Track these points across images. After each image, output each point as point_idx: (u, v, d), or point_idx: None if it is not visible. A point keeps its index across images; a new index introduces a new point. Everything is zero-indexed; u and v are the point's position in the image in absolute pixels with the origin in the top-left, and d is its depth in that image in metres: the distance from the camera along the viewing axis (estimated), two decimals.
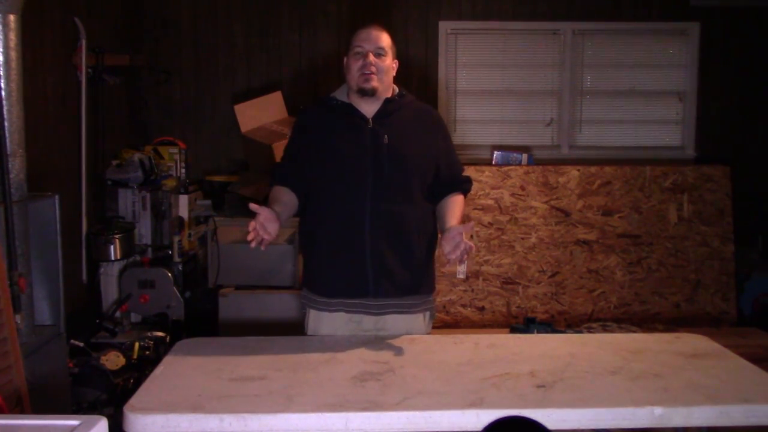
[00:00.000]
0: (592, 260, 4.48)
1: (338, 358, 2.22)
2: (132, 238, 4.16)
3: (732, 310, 4.47)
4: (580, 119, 5.33)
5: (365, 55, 2.45)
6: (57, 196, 3.05)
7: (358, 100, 2.51)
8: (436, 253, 2.54)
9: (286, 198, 2.47)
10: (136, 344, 3.65)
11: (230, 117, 4.85)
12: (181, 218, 4.47)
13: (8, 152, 2.72)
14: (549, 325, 4.12)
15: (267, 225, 2.26)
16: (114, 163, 4.38)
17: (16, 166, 2.77)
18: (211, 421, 1.80)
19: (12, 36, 2.74)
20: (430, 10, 5.24)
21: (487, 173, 4.51)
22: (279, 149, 3.98)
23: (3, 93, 2.72)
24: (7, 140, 2.72)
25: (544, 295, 4.45)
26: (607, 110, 5.34)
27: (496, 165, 4.70)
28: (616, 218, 4.51)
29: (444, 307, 4.41)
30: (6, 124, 2.71)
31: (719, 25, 5.22)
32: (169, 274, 4.20)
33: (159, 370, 2.13)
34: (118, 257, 4.06)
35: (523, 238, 4.47)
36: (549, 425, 1.80)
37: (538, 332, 3.90)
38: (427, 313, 2.59)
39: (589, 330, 4.12)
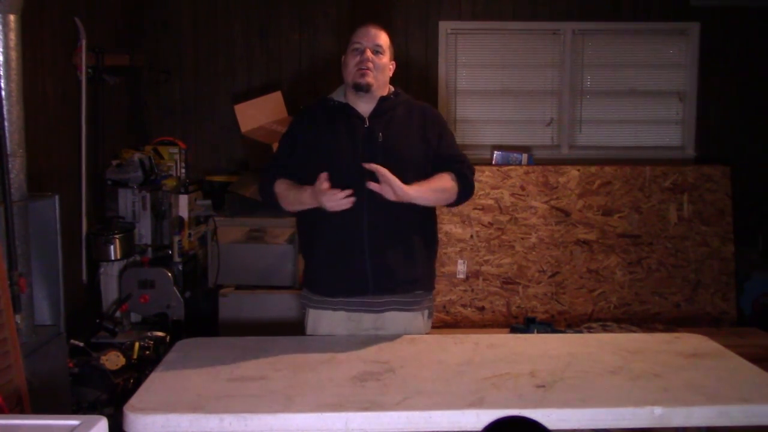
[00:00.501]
0: (592, 260, 4.48)
1: (338, 358, 2.22)
2: (132, 238, 4.16)
3: (732, 310, 4.48)
4: (580, 119, 5.33)
5: (362, 51, 2.48)
6: (57, 196, 3.05)
7: (355, 99, 2.52)
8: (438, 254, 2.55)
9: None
10: (136, 344, 3.64)
11: (230, 117, 4.85)
12: (181, 218, 4.47)
13: (8, 152, 2.72)
14: (549, 325, 4.12)
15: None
16: (114, 163, 4.38)
17: (16, 166, 2.77)
18: (211, 421, 1.80)
19: (12, 36, 2.74)
20: (430, 10, 5.24)
21: (487, 173, 4.51)
22: None
23: (3, 93, 2.72)
24: (7, 140, 2.72)
25: (544, 295, 4.45)
26: (607, 110, 5.34)
27: (496, 165, 4.70)
28: (616, 218, 4.51)
29: (444, 307, 4.41)
30: (6, 124, 2.71)
31: (719, 25, 5.22)
32: (169, 274, 4.20)
33: (159, 370, 2.13)
34: (118, 257, 4.06)
35: (523, 238, 4.47)
36: (549, 425, 1.80)
37: (538, 332, 3.90)
38: (426, 311, 2.60)
39: (589, 330, 4.12)
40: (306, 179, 2.49)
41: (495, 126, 5.33)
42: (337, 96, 2.58)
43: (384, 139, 2.46)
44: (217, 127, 5.25)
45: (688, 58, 5.26)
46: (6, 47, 2.72)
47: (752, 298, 4.68)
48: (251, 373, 2.09)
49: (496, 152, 4.83)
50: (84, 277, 4.08)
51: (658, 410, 1.86)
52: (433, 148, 2.52)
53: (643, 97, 5.31)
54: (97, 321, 3.90)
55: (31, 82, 3.44)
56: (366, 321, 2.51)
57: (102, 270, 4.16)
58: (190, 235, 4.53)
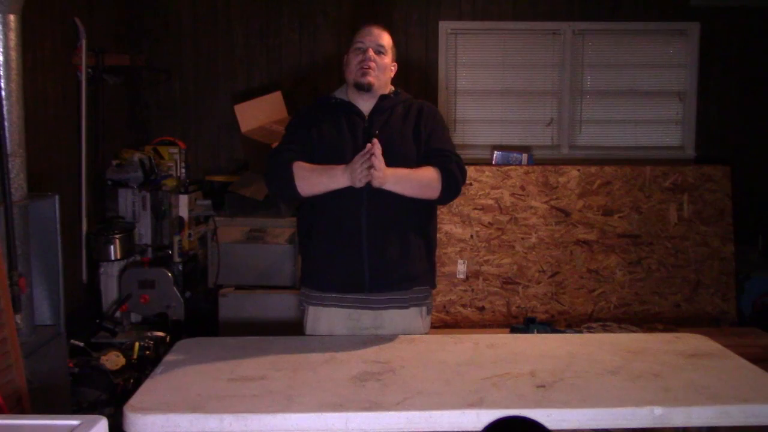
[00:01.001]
0: (592, 260, 4.48)
1: (338, 358, 2.23)
2: (132, 238, 4.16)
3: (732, 310, 4.47)
4: (580, 119, 5.33)
5: (365, 51, 2.50)
6: (57, 196, 3.05)
7: (356, 97, 2.55)
8: (437, 252, 2.54)
9: None
10: (136, 344, 3.65)
11: (230, 117, 4.85)
12: (181, 218, 4.48)
13: (8, 152, 2.72)
14: (549, 325, 4.12)
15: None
16: (114, 163, 4.38)
17: (16, 166, 2.77)
18: (211, 421, 1.80)
19: (12, 36, 2.74)
20: (430, 10, 5.24)
21: (487, 173, 4.51)
22: None
23: (3, 93, 2.72)
24: (7, 140, 2.72)
25: (544, 295, 4.45)
26: (607, 110, 5.34)
27: (496, 165, 4.70)
28: (616, 218, 4.51)
29: (444, 307, 4.41)
30: (6, 124, 2.71)
31: (719, 25, 5.22)
32: (169, 274, 4.20)
33: (159, 370, 2.13)
34: (118, 257, 4.06)
35: (523, 238, 4.47)
36: (549, 425, 1.80)
37: (538, 332, 3.89)
38: (424, 309, 2.60)
39: (589, 330, 4.11)
40: None
41: (495, 126, 5.34)
42: (340, 94, 2.60)
43: (380, 136, 2.47)
44: (217, 127, 5.25)
45: (688, 58, 5.26)
46: (6, 47, 2.72)
47: (752, 298, 4.68)
48: (251, 373, 2.09)
49: (496, 152, 4.83)
50: (84, 277, 4.08)
51: (658, 410, 1.86)
52: (424, 142, 2.52)
53: (643, 97, 5.31)
54: (97, 321, 3.90)
55: (31, 82, 3.44)
56: (365, 318, 2.52)
57: (102, 270, 4.16)
58: (190, 235, 4.53)
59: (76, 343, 3.51)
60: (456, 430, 1.84)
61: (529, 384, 2.02)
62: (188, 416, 1.80)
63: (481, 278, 4.45)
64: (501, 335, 2.80)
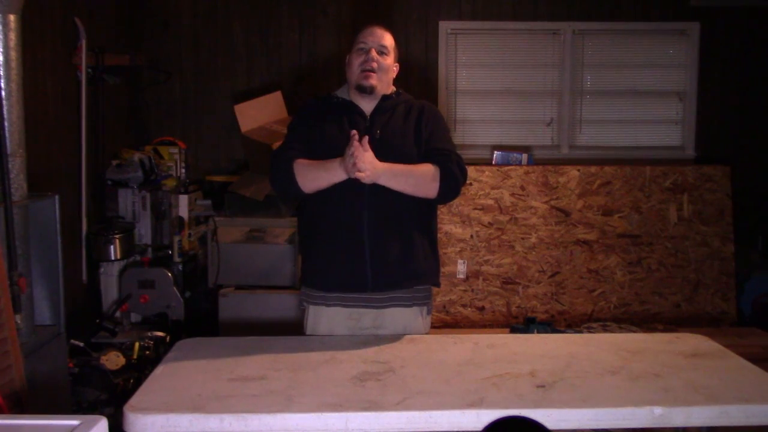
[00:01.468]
0: (592, 260, 4.48)
1: (338, 358, 2.22)
2: (132, 238, 4.16)
3: (732, 310, 4.47)
4: (580, 119, 5.33)
5: (367, 51, 2.49)
6: (57, 196, 3.05)
7: (358, 98, 2.55)
8: (438, 250, 2.54)
9: None
10: (136, 344, 3.65)
11: (230, 117, 4.85)
12: (181, 218, 4.48)
13: (8, 152, 2.72)
14: (549, 325, 4.12)
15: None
16: (114, 163, 4.38)
17: (16, 166, 2.77)
18: (211, 421, 1.80)
19: (12, 36, 2.74)
20: (430, 10, 5.24)
21: (487, 173, 4.51)
22: None
23: (3, 93, 2.72)
24: (7, 140, 2.72)
25: (544, 295, 4.45)
26: (607, 110, 5.34)
27: (496, 165, 4.70)
28: (616, 218, 4.51)
29: (444, 307, 4.41)
30: (6, 124, 2.71)
31: (719, 25, 5.22)
32: (169, 274, 4.20)
33: (159, 370, 2.13)
34: (118, 257, 4.06)
35: (523, 238, 4.47)
36: (549, 425, 1.80)
37: (538, 332, 3.90)
38: (425, 308, 2.60)
39: (589, 330, 4.11)
40: None
41: (495, 126, 5.34)
42: (342, 93, 2.61)
43: (381, 136, 2.48)
44: (217, 127, 5.25)
45: (688, 58, 5.26)
46: (6, 47, 2.72)
47: (752, 298, 4.68)
48: (251, 373, 2.09)
49: (496, 152, 4.83)
50: (84, 277, 4.08)
51: (658, 410, 1.86)
52: (424, 142, 2.52)
53: (643, 97, 5.31)
54: (97, 321, 3.90)
55: (31, 82, 3.44)
56: (365, 318, 2.52)
57: (102, 270, 4.16)
58: (190, 235, 4.53)
59: (76, 343, 3.51)
60: (456, 430, 1.84)
61: (529, 384, 2.02)
62: (188, 416, 1.80)
63: (481, 278, 4.45)
64: (501, 335, 2.80)
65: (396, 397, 1.92)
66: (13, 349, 2.46)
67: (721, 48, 5.24)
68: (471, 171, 4.29)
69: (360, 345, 2.35)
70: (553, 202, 4.50)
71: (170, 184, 4.46)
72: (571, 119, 5.31)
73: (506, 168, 4.56)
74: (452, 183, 2.45)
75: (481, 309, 4.44)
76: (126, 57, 4.70)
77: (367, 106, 2.54)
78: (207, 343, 2.41)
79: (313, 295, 2.56)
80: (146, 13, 5.20)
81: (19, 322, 2.67)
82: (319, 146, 2.49)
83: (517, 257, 4.46)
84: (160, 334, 3.88)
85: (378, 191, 2.42)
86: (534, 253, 4.47)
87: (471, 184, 4.40)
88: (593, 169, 4.56)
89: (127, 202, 4.33)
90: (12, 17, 2.73)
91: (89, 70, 4.20)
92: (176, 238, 4.37)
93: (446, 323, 4.39)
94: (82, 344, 3.55)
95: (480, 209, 4.47)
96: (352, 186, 2.42)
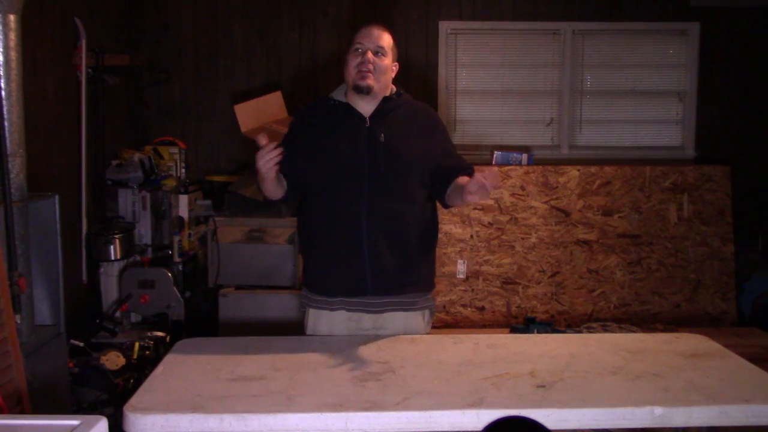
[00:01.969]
0: (592, 260, 4.48)
1: (338, 358, 2.22)
2: (132, 238, 4.16)
3: (732, 310, 4.48)
4: (580, 119, 5.33)
5: (364, 53, 2.46)
6: (57, 196, 3.05)
7: (356, 99, 2.51)
8: (437, 249, 2.54)
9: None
10: (136, 344, 3.64)
11: (230, 117, 4.84)
12: (181, 218, 4.48)
13: (8, 152, 2.72)
14: (549, 325, 4.12)
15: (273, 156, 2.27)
16: (114, 163, 4.38)
17: (16, 166, 2.77)
18: (211, 421, 1.80)
19: (12, 36, 2.74)
20: (430, 10, 5.24)
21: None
22: None
23: (3, 93, 2.72)
24: (7, 140, 2.72)
25: (544, 295, 4.45)
26: (607, 110, 5.34)
27: (496, 165, 4.70)
28: (616, 218, 4.51)
29: (444, 307, 4.41)
30: (6, 124, 2.71)
31: (719, 25, 5.22)
32: (169, 274, 4.20)
33: (159, 370, 2.13)
34: (118, 257, 4.06)
35: (523, 238, 4.47)
36: (549, 425, 1.80)
37: (538, 332, 3.90)
38: (427, 312, 2.59)
39: (589, 330, 4.12)
40: (307, 180, 2.49)
41: (495, 126, 5.33)
42: (338, 95, 2.57)
43: (386, 140, 2.46)
44: (217, 127, 5.25)
45: (688, 58, 5.26)
46: (6, 47, 2.72)
47: (752, 298, 4.68)
48: (251, 373, 2.09)
49: (496, 152, 4.83)
50: (84, 277, 4.08)
51: (658, 410, 1.86)
52: (432, 153, 2.51)
53: (643, 97, 5.31)
54: (97, 321, 3.90)
55: (31, 82, 3.44)
56: (366, 321, 2.51)
57: (102, 270, 4.16)
58: (190, 235, 4.53)
59: (76, 343, 3.51)
60: (456, 430, 1.84)
61: (529, 384, 2.02)
62: (188, 416, 1.80)
63: (481, 278, 4.45)
64: (501, 335, 2.79)
65: (396, 397, 1.92)
66: (13, 349, 2.46)
67: (721, 48, 5.24)
68: None
69: (360, 345, 2.35)
70: (553, 202, 4.50)
71: (170, 184, 4.46)
72: (571, 119, 5.31)
73: (506, 168, 4.56)
74: None
75: (481, 309, 4.44)
76: (126, 57, 4.70)
77: (366, 107, 2.51)
78: (207, 343, 2.41)
79: (313, 298, 2.56)
80: (146, 13, 5.20)
81: (19, 322, 2.67)
82: (316, 153, 2.48)
83: (517, 257, 4.46)
84: (160, 334, 3.88)
85: (376, 195, 2.41)
86: (534, 253, 4.47)
87: None
88: (593, 169, 4.56)
89: (127, 202, 4.33)
90: (12, 17, 2.73)
91: (89, 70, 4.19)
92: (176, 238, 4.37)
93: (446, 323, 4.39)
94: (82, 344, 3.55)
95: (480, 209, 4.48)
96: (350, 189, 2.41)
